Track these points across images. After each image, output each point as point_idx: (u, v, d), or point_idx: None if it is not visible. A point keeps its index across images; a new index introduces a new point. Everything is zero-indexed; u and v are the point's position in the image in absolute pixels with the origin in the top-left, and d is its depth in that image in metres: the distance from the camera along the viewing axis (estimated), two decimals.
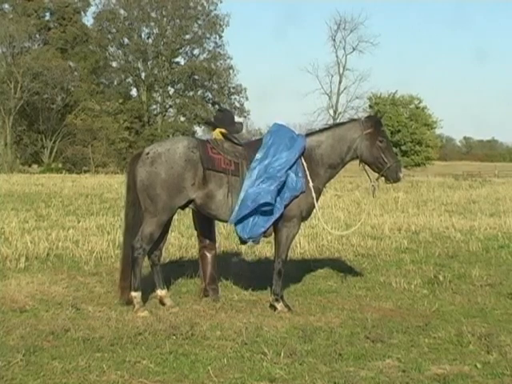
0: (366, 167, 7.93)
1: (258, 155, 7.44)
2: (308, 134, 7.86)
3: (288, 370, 5.46)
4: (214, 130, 7.96)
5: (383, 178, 7.84)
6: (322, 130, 7.92)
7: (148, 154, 7.31)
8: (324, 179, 7.79)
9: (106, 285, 8.45)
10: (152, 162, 7.23)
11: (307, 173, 7.53)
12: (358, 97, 68.19)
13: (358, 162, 7.90)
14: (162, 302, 7.54)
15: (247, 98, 63.82)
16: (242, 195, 7.30)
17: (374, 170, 7.86)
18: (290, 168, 7.40)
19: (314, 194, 7.58)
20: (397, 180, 7.84)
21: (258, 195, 7.23)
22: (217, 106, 64.32)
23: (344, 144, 7.71)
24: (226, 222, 7.63)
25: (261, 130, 59.69)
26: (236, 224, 7.41)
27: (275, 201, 7.31)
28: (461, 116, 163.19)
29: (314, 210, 7.81)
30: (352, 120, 8.14)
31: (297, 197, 7.46)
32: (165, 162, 7.20)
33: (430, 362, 5.69)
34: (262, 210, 7.29)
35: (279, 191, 7.35)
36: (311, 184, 7.54)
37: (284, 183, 7.36)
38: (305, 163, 7.56)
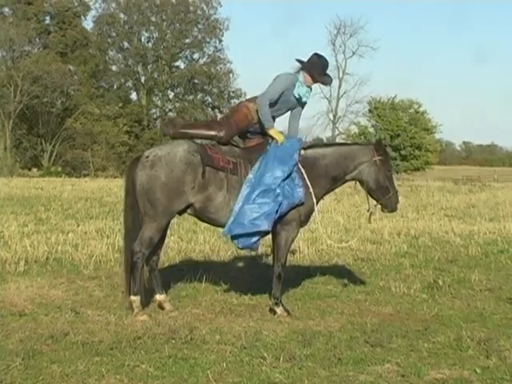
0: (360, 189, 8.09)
1: (256, 166, 7.47)
2: (313, 146, 7.96)
3: (287, 374, 5.45)
4: (301, 71, 7.70)
5: (379, 206, 7.94)
6: (328, 145, 8.10)
7: (148, 157, 7.30)
8: (324, 190, 7.83)
9: (106, 289, 8.44)
10: (152, 166, 7.22)
11: (307, 179, 7.54)
12: (358, 101, 68.38)
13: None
14: (161, 307, 7.53)
15: None
16: (237, 208, 7.30)
17: (373, 197, 7.93)
18: (284, 179, 7.41)
19: (314, 199, 7.60)
20: (394, 210, 8.00)
21: (257, 219, 7.24)
22: (216, 111, 64.45)
23: (351, 162, 7.79)
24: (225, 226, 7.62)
25: None
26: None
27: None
28: (460, 120, 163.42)
29: (314, 215, 7.84)
30: (361, 143, 8.42)
31: (296, 205, 7.47)
32: (165, 166, 7.19)
33: (430, 366, 5.68)
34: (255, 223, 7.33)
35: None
36: (311, 189, 7.56)
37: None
38: (303, 170, 7.56)
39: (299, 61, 7.77)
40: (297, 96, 7.70)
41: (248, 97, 8.65)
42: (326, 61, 7.83)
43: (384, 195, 7.82)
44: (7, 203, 19.38)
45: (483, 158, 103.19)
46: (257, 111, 7.57)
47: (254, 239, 7.40)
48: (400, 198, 8.19)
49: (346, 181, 7.99)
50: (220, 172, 7.33)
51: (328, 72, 7.88)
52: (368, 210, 8.08)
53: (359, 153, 7.86)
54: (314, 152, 7.78)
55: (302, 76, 7.70)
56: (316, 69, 7.71)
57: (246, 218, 7.26)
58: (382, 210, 8.00)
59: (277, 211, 7.33)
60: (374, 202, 7.95)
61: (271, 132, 7.56)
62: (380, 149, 7.90)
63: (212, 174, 7.29)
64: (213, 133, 7.51)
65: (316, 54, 7.80)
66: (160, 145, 7.88)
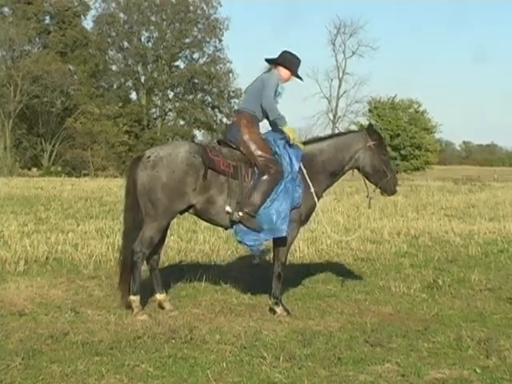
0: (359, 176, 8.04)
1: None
2: (309, 142, 7.91)
3: (287, 374, 5.45)
4: (275, 67, 7.69)
5: (378, 190, 7.96)
6: (323, 139, 7.99)
7: (149, 157, 7.29)
8: (324, 186, 7.83)
9: (105, 288, 8.44)
10: (153, 166, 7.21)
11: (307, 178, 7.54)
12: (358, 101, 68.57)
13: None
14: (161, 306, 7.53)
15: None
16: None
17: (371, 182, 7.95)
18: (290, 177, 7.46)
19: (315, 199, 7.60)
20: (394, 192, 8.00)
21: (276, 230, 7.32)
22: (216, 110, 64.46)
23: (346, 153, 7.78)
24: (226, 227, 7.63)
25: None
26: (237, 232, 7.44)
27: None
28: (460, 120, 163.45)
29: (313, 215, 7.85)
30: (354, 131, 8.38)
31: (294, 208, 7.47)
32: (166, 166, 7.18)
33: (430, 366, 5.68)
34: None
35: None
36: (312, 189, 7.55)
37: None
38: (304, 169, 7.56)
39: (270, 59, 7.76)
40: (279, 93, 7.69)
41: None
42: (299, 58, 7.82)
43: (382, 179, 7.82)
44: (7, 203, 19.37)
45: (483, 158, 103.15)
46: (252, 122, 7.56)
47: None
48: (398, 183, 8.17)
49: (345, 172, 7.98)
50: (221, 176, 7.31)
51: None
52: (367, 196, 8.08)
53: (353, 141, 7.83)
54: (311, 148, 7.76)
55: (277, 73, 7.68)
56: (293, 64, 7.74)
57: (265, 221, 7.32)
58: (382, 194, 8.01)
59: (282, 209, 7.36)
60: (373, 187, 7.96)
61: (285, 129, 7.53)
62: (373, 133, 7.89)
63: (213, 176, 7.27)
64: (273, 170, 7.40)
65: (288, 52, 7.80)
66: (161, 145, 7.86)
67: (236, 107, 8.03)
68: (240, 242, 7.54)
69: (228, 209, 7.29)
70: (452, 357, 5.96)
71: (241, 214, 7.25)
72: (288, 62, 7.72)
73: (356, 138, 7.87)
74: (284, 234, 7.39)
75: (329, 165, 7.75)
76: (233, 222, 7.38)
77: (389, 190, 7.91)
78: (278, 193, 7.35)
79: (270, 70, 7.71)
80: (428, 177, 51.42)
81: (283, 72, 7.70)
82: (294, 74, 7.78)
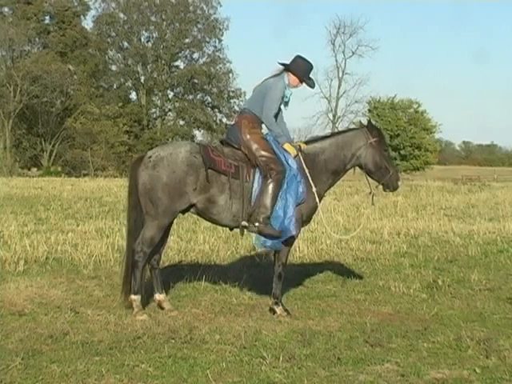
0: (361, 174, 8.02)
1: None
2: (311, 141, 7.90)
3: (287, 374, 5.45)
4: (285, 72, 7.66)
5: (381, 186, 7.96)
6: (324, 137, 7.97)
7: (150, 157, 7.31)
8: (326, 185, 7.83)
9: (105, 288, 8.44)
10: (154, 166, 7.22)
11: (309, 178, 7.54)
12: (358, 101, 68.48)
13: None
14: (160, 306, 7.53)
15: None
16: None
17: (374, 179, 7.94)
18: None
19: (317, 199, 7.59)
20: (396, 188, 7.98)
21: (286, 229, 7.33)
22: (216, 110, 64.46)
23: (348, 151, 7.77)
24: (228, 226, 7.63)
25: None
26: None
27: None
28: (460, 120, 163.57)
29: (314, 215, 7.85)
30: (355, 128, 8.31)
31: (298, 204, 7.48)
32: (167, 166, 7.19)
33: (429, 366, 5.68)
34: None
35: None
36: (314, 189, 7.55)
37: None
38: (306, 169, 7.56)
39: (283, 64, 7.75)
40: (285, 99, 7.69)
41: (247, 96, 8.56)
42: (311, 64, 7.81)
43: (385, 175, 7.81)
44: (7, 203, 19.37)
45: (483, 158, 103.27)
46: (253, 122, 7.56)
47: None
48: (400, 179, 8.16)
49: (348, 170, 7.98)
50: (222, 176, 7.32)
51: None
52: (370, 193, 8.07)
53: (355, 139, 7.82)
54: (313, 147, 7.76)
55: (287, 78, 7.68)
56: (302, 71, 7.71)
57: (277, 221, 7.34)
58: (385, 190, 8.00)
59: (285, 211, 7.36)
60: (375, 184, 7.96)
61: (285, 146, 7.54)
62: (373, 130, 7.88)
63: (214, 176, 7.28)
64: (275, 171, 7.39)
65: (300, 57, 7.78)
66: (163, 145, 7.87)
67: (237, 107, 8.03)
68: (264, 246, 7.55)
69: (244, 223, 7.31)
70: (452, 357, 5.96)
71: (257, 224, 7.28)
72: (298, 69, 7.67)
73: (357, 136, 7.85)
74: (293, 234, 7.41)
75: (331, 163, 7.74)
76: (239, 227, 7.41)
77: (391, 185, 7.90)
78: (283, 191, 7.36)
79: (280, 73, 7.70)
80: (428, 177, 51.47)
81: (292, 78, 7.70)
82: (303, 81, 7.76)
